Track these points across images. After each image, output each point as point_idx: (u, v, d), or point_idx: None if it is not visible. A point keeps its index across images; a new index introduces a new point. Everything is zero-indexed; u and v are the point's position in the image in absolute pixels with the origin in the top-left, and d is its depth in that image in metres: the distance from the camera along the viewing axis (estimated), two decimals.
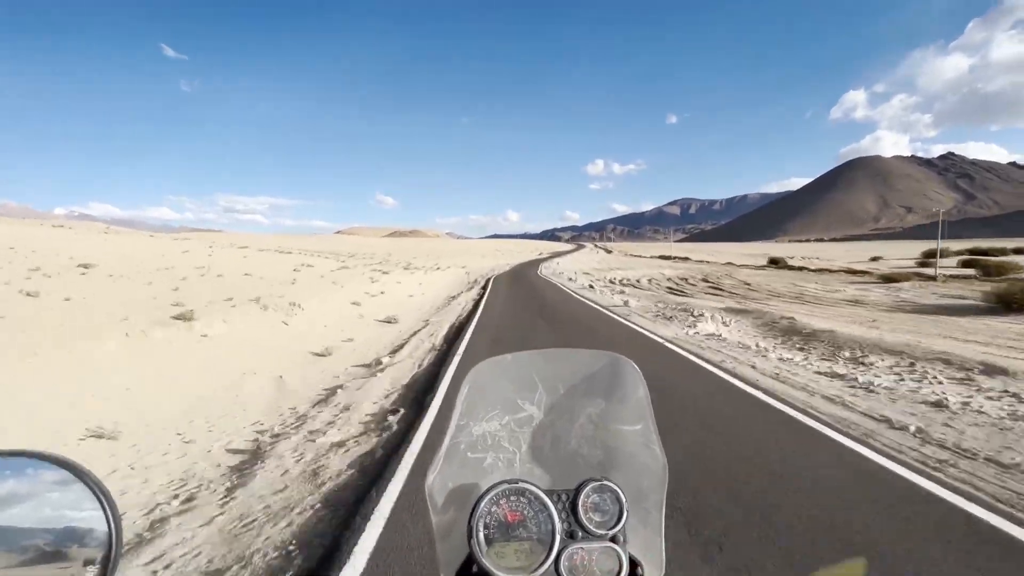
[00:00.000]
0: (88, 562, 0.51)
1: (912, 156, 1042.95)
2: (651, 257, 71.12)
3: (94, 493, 0.52)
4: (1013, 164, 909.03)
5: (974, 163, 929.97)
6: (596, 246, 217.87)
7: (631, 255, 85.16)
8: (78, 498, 0.52)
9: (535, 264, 52.68)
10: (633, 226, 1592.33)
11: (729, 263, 49.95)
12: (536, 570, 0.67)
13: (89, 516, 0.52)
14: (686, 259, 61.98)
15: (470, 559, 0.70)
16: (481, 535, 0.69)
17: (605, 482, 0.73)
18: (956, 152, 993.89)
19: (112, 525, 0.52)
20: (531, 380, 0.88)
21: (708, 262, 53.60)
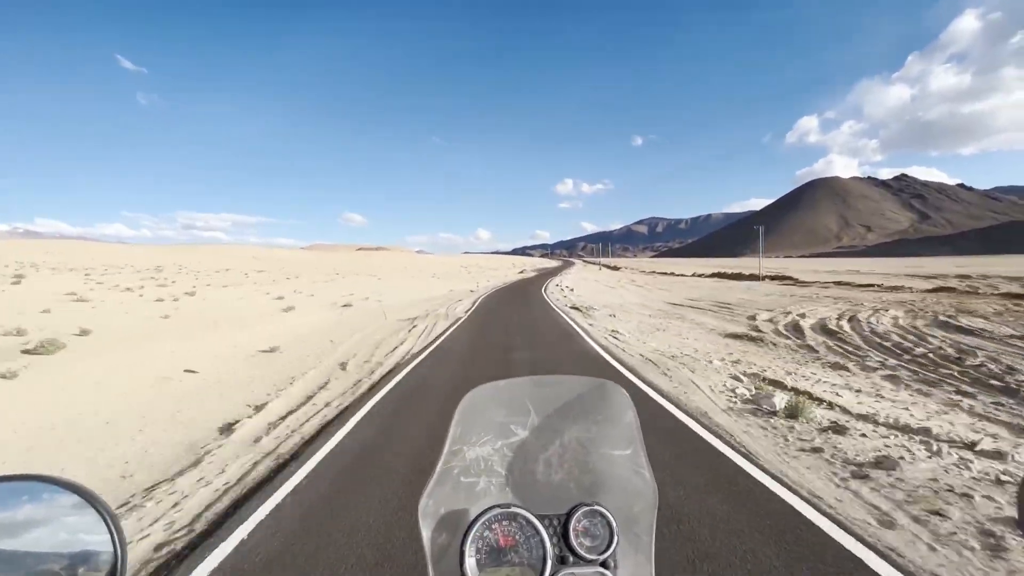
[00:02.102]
0: None
1: (869, 177, 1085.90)
2: (699, 276, 51.00)
3: (103, 518, 0.53)
4: (961, 186, 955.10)
5: (925, 184, 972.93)
6: (587, 262, 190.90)
7: (659, 274, 62.83)
8: (88, 523, 0.53)
9: (527, 299, 25.30)
10: (602, 243, 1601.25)
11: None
12: None
13: (98, 540, 0.53)
14: (757, 277, 40.91)
15: None
16: (472, 559, 0.69)
17: (596, 507, 0.73)
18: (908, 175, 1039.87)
19: (119, 550, 0.53)
20: (523, 406, 0.89)
21: (844, 283, 31.88)
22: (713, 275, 49.17)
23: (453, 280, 45.08)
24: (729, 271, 53.50)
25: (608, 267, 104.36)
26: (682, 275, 53.18)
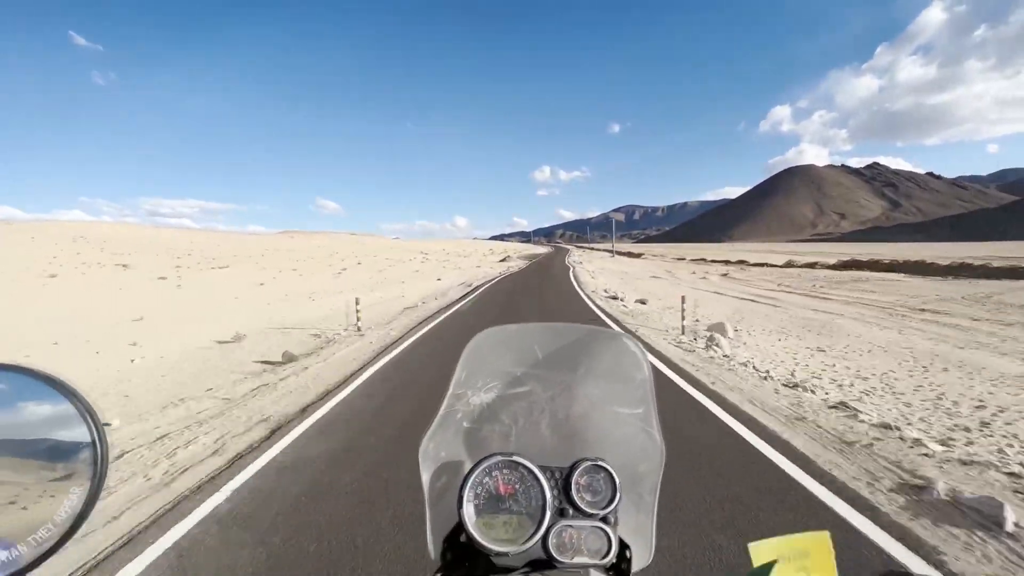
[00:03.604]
0: (70, 477, 0.50)
1: (843, 165, 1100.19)
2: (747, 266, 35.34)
3: (80, 411, 0.51)
4: (930, 174, 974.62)
5: (896, 173, 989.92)
6: (580, 247, 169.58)
7: (693, 260, 47.50)
8: (64, 415, 0.51)
9: None
10: (580, 231, 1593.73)
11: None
12: (524, 543, 0.66)
13: (76, 433, 0.51)
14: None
15: (459, 527, 0.70)
16: (471, 505, 0.68)
17: (599, 462, 0.72)
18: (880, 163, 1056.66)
19: (98, 443, 0.51)
20: (533, 354, 0.86)
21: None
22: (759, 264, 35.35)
23: (377, 287, 28.41)
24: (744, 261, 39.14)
25: (622, 254, 75.50)
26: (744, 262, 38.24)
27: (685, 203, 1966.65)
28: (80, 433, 0.50)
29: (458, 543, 0.70)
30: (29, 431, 0.51)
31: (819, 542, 0.56)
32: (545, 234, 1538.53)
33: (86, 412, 0.51)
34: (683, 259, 50.90)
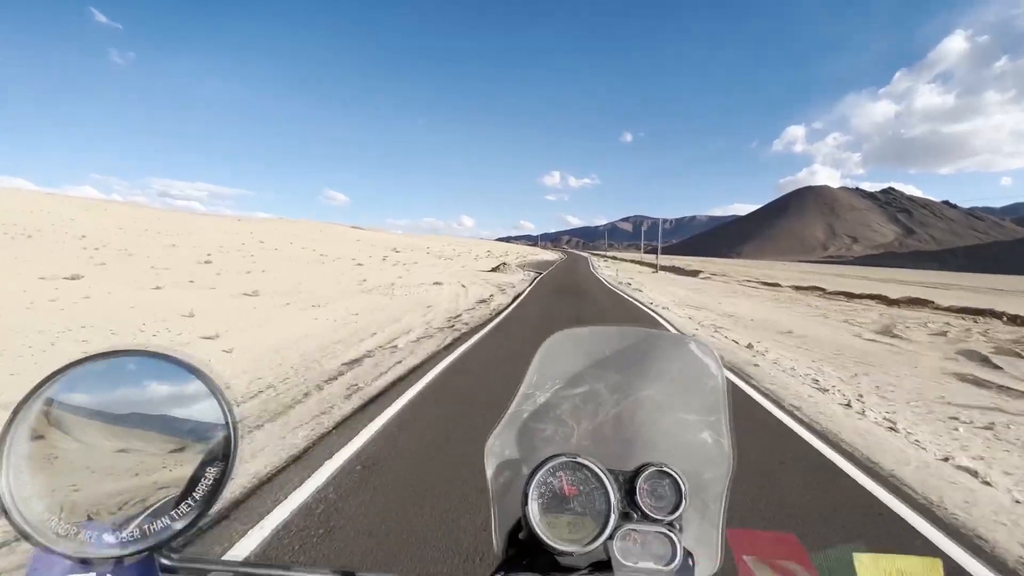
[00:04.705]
0: (208, 462, 0.54)
1: (857, 188, 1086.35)
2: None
3: (215, 396, 0.55)
4: (946, 203, 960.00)
5: (912, 199, 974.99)
6: (596, 254, 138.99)
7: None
8: (199, 398, 0.55)
9: None
10: (587, 239, 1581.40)
11: None
12: (588, 544, 0.66)
13: (210, 415, 0.55)
14: None
15: (519, 525, 0.70)
16: (536, 503, 0.69)
17: (665, 467, 0.72)
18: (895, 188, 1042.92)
19: (232, 428, 0.55)
20: (604, 357, 0.86)
21: None
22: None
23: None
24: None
25: (667, 269, 53.83)
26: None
27: (694, 216, 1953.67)
28: (214, 415, 0.54)
29: (519, 540, 0.70)
30: (171, 411, 0.55)
31: (930, 568, 0.54)
32: (551, 239, 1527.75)
33: (220, 397, 0.54)
34: (776, 285, 32.30)
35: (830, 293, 26.99)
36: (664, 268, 54.07)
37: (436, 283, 20.44)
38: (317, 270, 24.23)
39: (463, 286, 19.81)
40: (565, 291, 20.87)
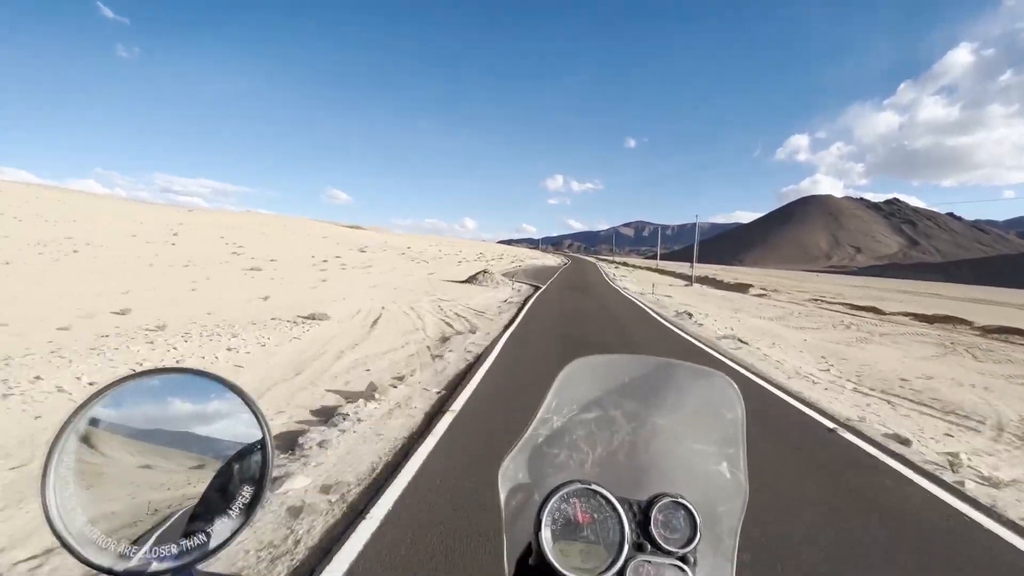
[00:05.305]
0: (244, 479, 0.55)
1: (861, 199, 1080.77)
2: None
3: (252, 412, 0.56)
4: (951, 215, 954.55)
5: (916, 211, 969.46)
6: (604, 259, 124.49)
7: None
8: (237, 415, 0.56)
9: None
10: (589, 243, 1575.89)
11: None
12: (601, 574, 0.66)
13: (247, 434, 0.56)
14: None
15: (530, 550, 0.69)
16: (549, 530, 0.68)
17: (679, 499, 0.71)
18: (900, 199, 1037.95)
19: (268, 445, 0.56)
20: (623, 385, 0.87)
21: None
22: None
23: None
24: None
25: (701, 280, 42.51)
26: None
27: (696, 223, 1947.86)
28: (250, 433, 0.56)
29: (528, 566, 0.68)
30: (210, 428, 0.56)
31: None
32: (553, 243, 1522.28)
33: (259, 417, 0.56)
34: (875, 309, 25.68)
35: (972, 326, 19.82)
36: (701, 280, 43.54)
37: (311, 317, 11.07)
38: (204, 282, 17.50)
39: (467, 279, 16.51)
40: (581, 308, 14.96)
